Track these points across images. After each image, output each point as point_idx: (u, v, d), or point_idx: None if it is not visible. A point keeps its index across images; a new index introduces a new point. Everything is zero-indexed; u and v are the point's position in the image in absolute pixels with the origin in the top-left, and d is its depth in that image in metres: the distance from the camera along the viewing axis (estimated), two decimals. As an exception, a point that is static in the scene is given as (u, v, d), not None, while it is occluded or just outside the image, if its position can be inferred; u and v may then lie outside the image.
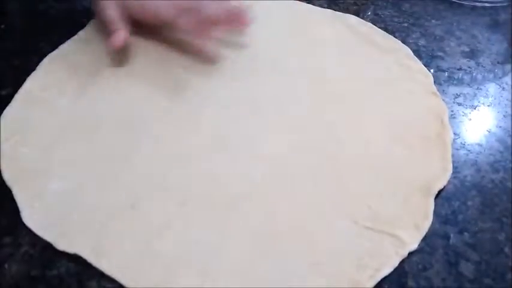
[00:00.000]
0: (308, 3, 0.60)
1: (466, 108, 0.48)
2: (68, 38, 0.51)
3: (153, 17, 0.48)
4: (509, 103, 0.49)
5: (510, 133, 0.46)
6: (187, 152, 0.41)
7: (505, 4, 0.63)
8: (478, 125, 0.47)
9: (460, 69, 0.53)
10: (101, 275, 0.33)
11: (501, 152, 0.44)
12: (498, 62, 0.55)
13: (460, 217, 0.39)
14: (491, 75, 0.53)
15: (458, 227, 0.38)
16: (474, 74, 0.53)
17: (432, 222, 0.37)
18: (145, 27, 0.50)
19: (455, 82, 0.51)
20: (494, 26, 0.60)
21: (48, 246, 0.34)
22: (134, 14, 0.48)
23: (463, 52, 0.55)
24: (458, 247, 0.36)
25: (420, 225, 0.37)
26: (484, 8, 0.63)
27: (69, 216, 0.36)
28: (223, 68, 0.49)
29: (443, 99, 0.48)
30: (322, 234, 0.36)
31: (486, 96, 0.50)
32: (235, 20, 0.49)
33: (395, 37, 0.55)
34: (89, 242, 0.34)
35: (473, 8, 0.63)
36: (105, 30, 0.48)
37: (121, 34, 0.47)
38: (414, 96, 0.48)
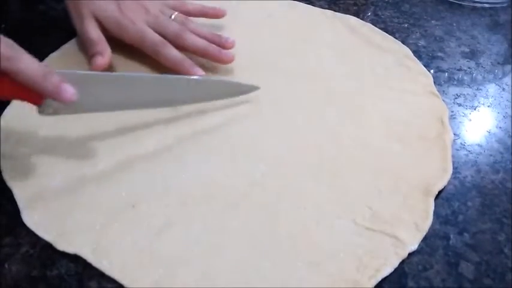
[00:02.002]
0: (308, 4, 0.60)
1: (466, 108, 0.48)
2: (69, 38, 0.51)
3: (138, 42, 0.47)
4: (509, 104, 0.49)
5: (510, 134, 0.46)
6: (187, 152, 0.41)
7: (504, 5, 0.64)
8: (478, 126, 0.47)
9: (460, 69, 0.53)
10: (101, 275, 0.33)
11: (501, 153, 0.44)
12: (498, 63, 0.55)
13: (460, 218, 0.39)
14: (491, 76, 0.53)
15: (459, 227, 0.38)
16: (474, 75, 0.53)
17: (432, 223, 0.37)
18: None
19: (455, 83, 0.52)
20: (494, 26, 0.60)
21: (48, 246, 0.34)
22: (113, 34, 0.48)
23: (463, 53, 0.55)
24: (458, 248, 0.36)
25: (420, 226, 0.37)
26: (484, 8, 0.63)
27: (69, 216, 0.36)
28: (223, 69, 0.49)
29: (443, 100, 0.48)
30: (322, 234, 0.36)
31: (486, 97, 0.50)
32: (216, 50, 0.48)
33: (395, 38, 0.55)
34: (89, 242, 0.34)
35: (473, 8, 0.63)
36: (87, 50, 0.47)
37: (100, 59, 0.46)
38: (414, 96, 0.48)
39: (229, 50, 0.48)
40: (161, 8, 0.50)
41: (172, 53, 0.46)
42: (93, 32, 0.47)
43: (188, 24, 0.50)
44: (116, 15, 0.47)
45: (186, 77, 0.45)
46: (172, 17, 0.49)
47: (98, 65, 0.45)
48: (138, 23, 0.47)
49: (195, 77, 0.45)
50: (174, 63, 0.46)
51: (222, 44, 0.48)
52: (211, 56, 0.48)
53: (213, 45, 0.48)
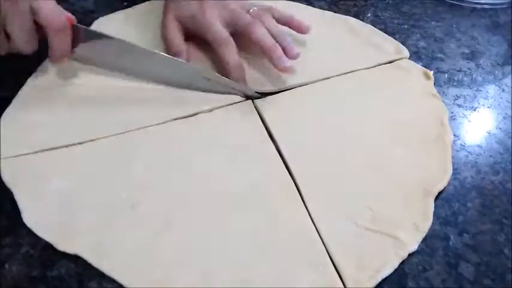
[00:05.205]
0: (308, 5, 0.60)
1: (466, 109, 0.49)
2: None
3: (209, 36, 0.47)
4: (509, 105, 0.49)
5: (510, 135, 0.46)
6: (187, 152, 0.41)
7: (504, 6, 0.64)
8: (478, 127, 0.47)
9: (460, 70, 0.53)
10: (101, 276, 0.33)
11: (501, 154, 0.44)
12: (498, 64, 0.55)
13: (460, 218, 0.39)
14: (491, 77, 0.53)
15: (458, 228, 0.38)
16: (474, 76, 0.53)
17: (432, 224, 0.37)
18: None
19: (455, 84, 0.52)
20: (494, 27, 0.60)
21: (48, 247, 0.34)
22: (191, 32, 0.48)
23: (463, 54, 0.55)
24: (458, 248, 0.36)
25: (420, 227, 0.37)
26: (483, 9, 0.63)
27: (69, 216, 0.36)
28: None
29: (443, 101, 0.48)
30: (322, 235, 0.36)
31: (486, 98, 0.50)
32: (277, 55, 0.46)
33: (395, 39, 0.55)
34: (89, 243, 0.34)
35: (473, 9, 0.63)
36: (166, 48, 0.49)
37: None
38: (414, 97, 0.48)
39: (290, 61, 0.46)
40: (242, 4, 0.49)
41: (232, 55, 0.46)
42: (171, 33, 0.48)
43: (264, 17, 0.48)
44: (198, 17, 0.47)
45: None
46: (250, 11, 0.49)
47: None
48: (214, 21, 0.47)
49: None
50: (233, 66, 0.46)
51: (288, 50, 0.47)
52: (271, 58, 0.46)
53: (278, 49, 0.46)
